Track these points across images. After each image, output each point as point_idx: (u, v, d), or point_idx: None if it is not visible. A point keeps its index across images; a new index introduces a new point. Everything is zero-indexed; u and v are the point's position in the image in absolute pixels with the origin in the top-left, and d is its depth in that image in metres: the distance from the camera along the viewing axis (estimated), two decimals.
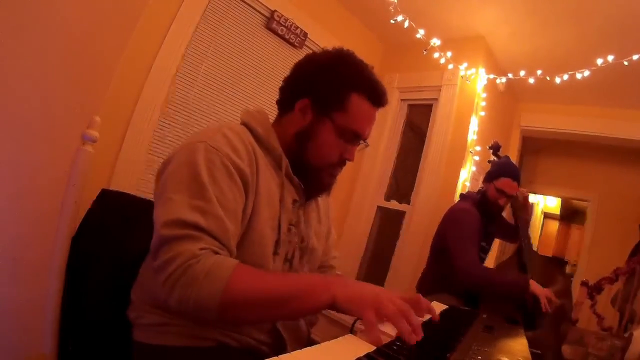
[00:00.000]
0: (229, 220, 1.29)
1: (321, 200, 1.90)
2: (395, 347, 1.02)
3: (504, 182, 3.55)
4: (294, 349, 1.46)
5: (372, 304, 1.12)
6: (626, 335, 5.34)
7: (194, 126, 3.86)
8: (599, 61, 4.33)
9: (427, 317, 1.38)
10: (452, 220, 3.59)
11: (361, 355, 0.88)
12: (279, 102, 1.73)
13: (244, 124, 1.59)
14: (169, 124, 3.72)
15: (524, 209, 3.80)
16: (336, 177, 1.72)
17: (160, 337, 1.37)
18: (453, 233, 3.46)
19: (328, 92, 1.59)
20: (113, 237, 1.61)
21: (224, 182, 1.32)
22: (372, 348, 0.97)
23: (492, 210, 3.60)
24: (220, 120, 4.08)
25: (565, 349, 5.17)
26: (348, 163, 1.68)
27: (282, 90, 1.72)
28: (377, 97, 1.65)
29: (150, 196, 1.43)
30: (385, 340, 1.05)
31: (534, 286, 3.15)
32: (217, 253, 1.22)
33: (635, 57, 4.10)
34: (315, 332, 1.74)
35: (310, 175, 1.64)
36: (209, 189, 1.28)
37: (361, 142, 1.69)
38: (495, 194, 3.57)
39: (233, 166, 1.36)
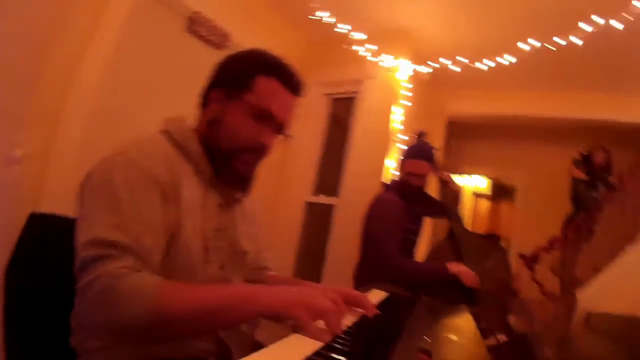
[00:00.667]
0: (149, 235, 1.25)
1: (247, 203, 1.86)
2: (342, 342, 1.03)
3: (410, 164, 3.63)
4: (240, 355, 1.46)
5: (301, 304, 1.11)
6: (570, 299, 5.52)
7: (122, 136, 3.70)
8: (523, 46, 4.46)
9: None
10: (374, 213, 3.65)
11: (309, 354, 0.89)
12: (198, 105, 1.71)
13: (163, 132, 1.57)
14: (96, 136, 3.54)
15: (451, 190, 3.87)
16: (254, 167, 1.66)
17: None
18: (374, 226, 3.54)
19: (237, 76, 1.60)
20: (47, 263, 1.50)
21: (142, 195, 1.29)
22: (320, 345, 0.96)
23: (411, 193, 3.65)
24: (148, 128, 3.90)
25: (512, 320, 5.31)
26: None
27: (200, 94, 1.71)
28: (288, 80, 1.64)
29: None
30: (327, 334, 1.05)
31: (452, 267, 3.24)
32: (139, 271, 1.17)
33: (558, 40, 4.24)
34: (261, 334, 1.73)
35: (224, 163, 1.58)
36: (127, 204, 1.24)
37: (283, 133, 1.68)
38: (406, 177, 3.64)
39: (151, 178, 1.33)
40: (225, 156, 1.57)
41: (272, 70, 1.61)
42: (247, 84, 1.58)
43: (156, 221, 1.30)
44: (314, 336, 1.03)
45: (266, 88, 1.59)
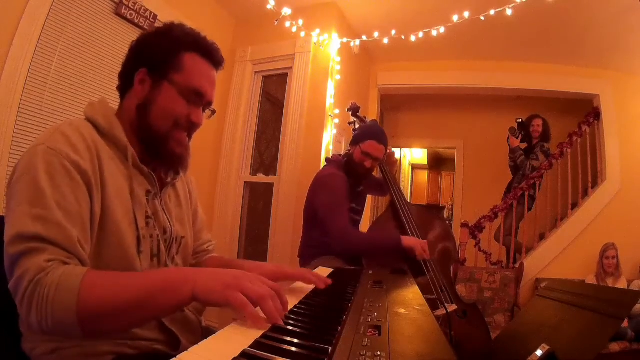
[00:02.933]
0: (73, 225, 1.21)
1: (179, 184, 1.83)
2: (290, 322, 1.04)
3: (369, 145, 3.57)
4: (189, 341, 1.43)
5: (235, 287, 1.10)
6: (517, 265, 5.69)
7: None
8: (455, 17, 4.49)
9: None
10: (319, 187, 3.61)
11: (258, 337, 0.89)
12: (119, 88, 1.65)
13: (87, 118, 1.50)
14: (27, 131, 3.46)
15: (390, 165, 3.87)
16: (187, 148, 1.65)
17: None
18: (322, 200, 3.49)
19: (162, 56, 1.56)
20: None
21: (65, 184, 1.24)
22: (260, 333, 0.95)
23: (358, 172, 3.63)
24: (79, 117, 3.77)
25: (460, 288, 5.41)
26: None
27: (120, 74, 1.63)
28: (210, 53, 1.64)
29: None
30: (265, 321, 1.05)
31: (406, 240, 3.22)
32: (65, 263, 1.15)
33: (492, 12, 4.29)
34: (210, 318, 1.70)
35: (157, 145, 1.56)
36: (49, 195, 1.19)
37: (208, 109, 1.67)
38: (361, 157, 3.59)
39: (73, 166, 1.27)
40: (160, 138, 1.54)
41: (195, 45, 1.60)
42: (174, 62, 1.55)
43: (81, 210, 1.26)
44: (250, 319, 1.03)
45: (193, 66, 1.58)
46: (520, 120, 6.47)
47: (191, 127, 1.61)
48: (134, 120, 1.54)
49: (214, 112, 1.71)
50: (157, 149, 1.55)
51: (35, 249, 1.12)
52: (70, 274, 1.10)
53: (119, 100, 1.61)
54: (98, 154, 1.37)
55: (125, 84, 1.61)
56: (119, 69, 1.63)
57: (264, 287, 1.12)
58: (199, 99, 1.59)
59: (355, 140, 3.68)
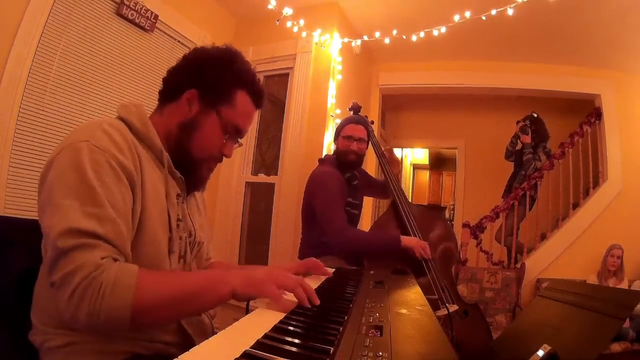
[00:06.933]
0: (122, 223, 1.25)
1: (198, 194, 1.91)
2: (292, 322, 1.04)
3: (347, 129, 3.67)
4: None
5: (270, 281, 1.28)
6: (518, 266, 5.69)
7: (55, 129, 3.63)
8: (456, 17, 4.49)
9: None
10: (315, 186, 3.62)
11: (260, 337, 0.90)
12: (161, 93, 1.70)
13: (121, 118, 1.51)
14: (28, 131, 3.46)
15: (391, 164, 3.86)
16: (212, 172, 1.76)
17: (70, 358, 1.30)
18: (318, 199, 3.50)
19: (216, 85, 1.62)
20: None
21: (112, 183, 1.26)
22: (269, 327, 0.97)
23: (349, 159, 3.66)
24: (81, 119, 3.84)
25: (462, 288, 5.42)
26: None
27: (167, 81, 1.69)
28: (259, 98, 1.73)
29: (19, 213, 1.31)
30: (293, 305, 1.22)
31: (405, 240, 3.23)
32: (115, 260, 1.18)
33: (493, 12, 4.30)
34: (215, 322, 1.72)
35: (190, 167, 1.63)
36: (100, 192, 1.22)
37: (238, 142, 1.74)
38: (344, 142, 3.65)
39: (119, 165, 1.30)
40: (194, 163, 1.65)
41: (249, 85, 1.68)
42: (227, 96, 1.63)
43: (126, 208, 1.31)
44: (281, 308, 1.20)
45: (242, 104, 1.67)
46: (536, 115, 6.46)
47: (221, 158, 1.72)
48: (173, 135, 1.61)
49: (240, 144, 1.79)
50: (187, 170, 1.63)
51: (89, 244, 1.15)
52: (125, 271, 1.15)
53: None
54: (138, 154, 1.41)
55: (169, 92, 1.66)
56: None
57: (292, 278, 1.31)
58: (237, 135, 1.71)
59: (336, 135, 3.82)
